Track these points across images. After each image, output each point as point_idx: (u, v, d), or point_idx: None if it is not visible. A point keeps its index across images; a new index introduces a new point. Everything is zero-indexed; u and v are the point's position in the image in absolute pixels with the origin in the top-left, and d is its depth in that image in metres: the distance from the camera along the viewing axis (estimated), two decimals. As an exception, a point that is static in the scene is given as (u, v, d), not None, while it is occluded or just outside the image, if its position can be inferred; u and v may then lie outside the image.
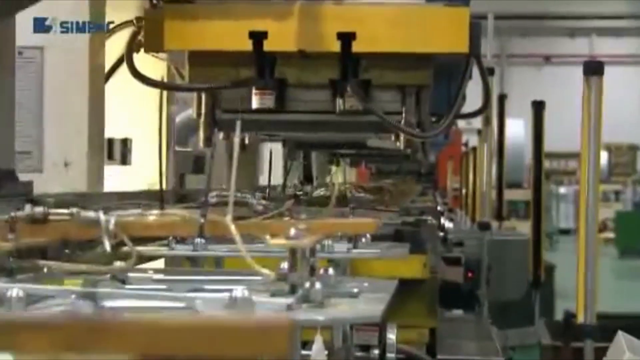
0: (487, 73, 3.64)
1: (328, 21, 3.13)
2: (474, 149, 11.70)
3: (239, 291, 1.59)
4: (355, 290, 1.87)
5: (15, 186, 2.91)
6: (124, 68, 3.46)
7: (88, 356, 1.03)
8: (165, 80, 4.20)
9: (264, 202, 2.96)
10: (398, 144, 3.50)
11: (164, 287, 1.93)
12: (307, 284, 1.73)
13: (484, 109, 4.01)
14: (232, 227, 2.01)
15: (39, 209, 2.12)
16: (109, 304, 1.66)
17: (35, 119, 3.80)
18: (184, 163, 5.87)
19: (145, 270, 2.21)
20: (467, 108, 3.69)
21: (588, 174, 5.11)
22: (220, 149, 4.30)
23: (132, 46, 3.37)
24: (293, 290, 1.74)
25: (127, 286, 1.87)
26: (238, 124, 2.42)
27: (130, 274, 1.94)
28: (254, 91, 3.20)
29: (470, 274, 7.54)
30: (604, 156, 26.40)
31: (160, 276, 2.12)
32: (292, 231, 1.84)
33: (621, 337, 4.92)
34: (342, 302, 1.78)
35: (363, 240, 2.73)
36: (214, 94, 3.32)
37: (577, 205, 6.43)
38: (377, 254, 2.78)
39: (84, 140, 3.84)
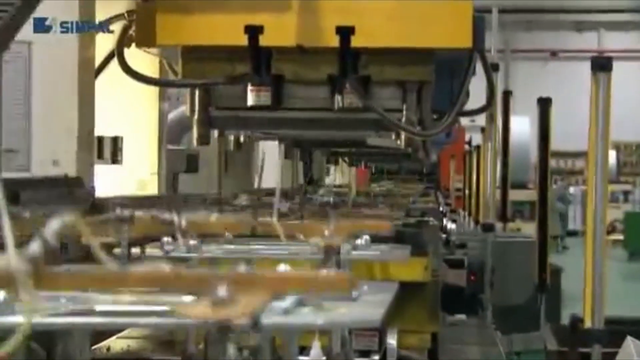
0: (491, 69, 3.64)
1: (326, 15, 3.13)
2: (478, 147, 11.69)
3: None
4: (355, 293, 1.88)
5: (82, 191, 3.47)
6: (114, 63, 3.46)
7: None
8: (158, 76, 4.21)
9: (288, 204, 3.25)
10: (398, 142, 3.51)
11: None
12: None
13: (487, 107, 4.01)
14: (279, 228, 2.60)
15: (127, 211, 2.62)
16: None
17: (22, 116, 3.80)
18: (176, 162, 5.87)
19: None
20: (470, 104, 3.70)
21: (596, 174, 5.12)
22: (212, 147, 4.31)
23: (123, 41, 3.38)
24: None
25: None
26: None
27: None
28: (249, 88, 3.20)
29: (473, 277, 7.54)
30: (612, 155, 26.38)
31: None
32: (326, 232, 2.34)
33: (630, 342, 4.94)
34: (341, 305, 1.78)
35: (362, 241, 2.74)
36: (208, 90, 3.32)
37: (584, 206, 6.43)
38: (378, 256, 2.78)
39: (73, 138, 3.85)
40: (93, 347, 3.12)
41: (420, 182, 11.87)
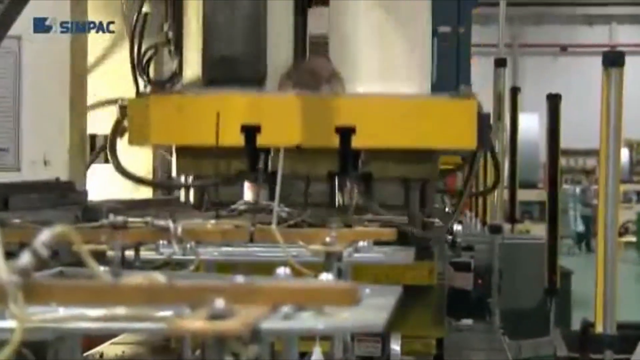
0: (499, 69, 3.64)
1: (326, 114, 3.10)
2: (485, 145, 11.69)
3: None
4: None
5: (74, 195, 3.48)
6: (108, 62, 3.47)
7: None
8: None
9: (287, 209, 3.18)
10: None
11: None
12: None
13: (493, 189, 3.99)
14: (278, 235, 2.58)
15: (120, 218, 2.67)
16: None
17: (11, 114, 3.80)
18: (171, 162, 5.86)
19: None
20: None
21: (607, 173, 5.12)
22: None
23: (116, 134, 3.37)
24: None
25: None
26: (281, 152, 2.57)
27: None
28: (246, 184, 3.20)
29: (480, 281, 7.55)
30: (624, 154, 26.35)
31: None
32: (327, 239, 2.36)
33: (643, 348, 4.93)
34: (343, 309, 1.78)
35: (364, 243, 2.74)
36: (202, 190, 3.33)
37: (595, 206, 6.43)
38: (381, 258, 2.79)
39: (65, 136, 3.85)
40: (86, 354, 3.12)
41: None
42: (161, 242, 2.75)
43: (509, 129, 10.42)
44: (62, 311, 1.68)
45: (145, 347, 3.47)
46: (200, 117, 3.13)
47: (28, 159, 3.82)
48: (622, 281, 5.70)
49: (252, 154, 3.11)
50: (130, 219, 2.73)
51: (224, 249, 2.94)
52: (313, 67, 3.27)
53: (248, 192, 3.19)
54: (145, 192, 5.42)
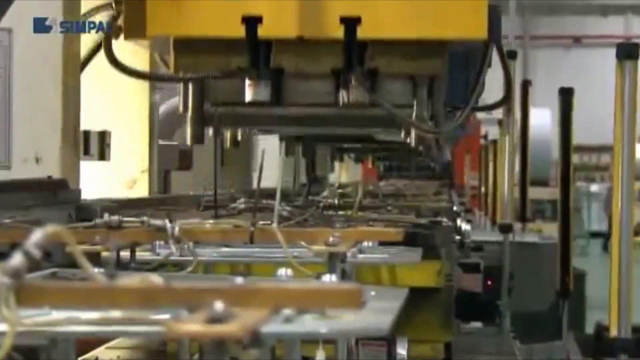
0: (508, 61, 3.63)
1: (330, 4, 3.11)
2: (495, 141, 11.69)
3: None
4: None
5: (67, 194, 3.52)
6: (101, 55, 3.47)
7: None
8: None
9: (289, 208, 3.26)
10: (409, 140, 3.50)
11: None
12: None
13: (505, 101, 4.00)
14: (279, 235, 2.61)
15: (115, 218, 2.71)
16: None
17: (2, 109, 3.81)
18: (168, 158, 5.88)
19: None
20: (485, 95, 3.69)
21: (622, 170, 5.13)
22: (207, 142, 4.32)
23: (111, 32, 3.38)
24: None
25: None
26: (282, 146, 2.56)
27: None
28: (247, 82, 3.20)
29: (490, 282, 7.55)
30: (639, 150, 26.35)
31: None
32: (331, 239, 2.42)
33: (659, 352, 4.94)
34: (347, 312, 1.78)
35: (369, 243, 2.75)
36: (202, 85, 3.32)
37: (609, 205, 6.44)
38: (386, 259, 2.80)
39: (57, 133, 3.86)
40: (80, 358, 3.13)
41: (432, 179, 11.87)
42: (158, 242, 2.76)
43: (519, 124, 10.42)
44: (55, 314, 1.69)
45: (142, 351, 3.48)
46: (199, 6, 3.14)
47: (19, 156, 3.83)
48: (638, 283, 5.70)
49: (253, 47, 3.11)
50: (126, 219, 2.75)
51: (223, 249, 2.95)
52: None
53: (249, 90, 3.17)
54: (141, 191, 5.43)
